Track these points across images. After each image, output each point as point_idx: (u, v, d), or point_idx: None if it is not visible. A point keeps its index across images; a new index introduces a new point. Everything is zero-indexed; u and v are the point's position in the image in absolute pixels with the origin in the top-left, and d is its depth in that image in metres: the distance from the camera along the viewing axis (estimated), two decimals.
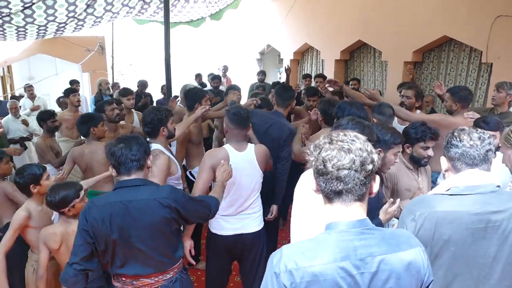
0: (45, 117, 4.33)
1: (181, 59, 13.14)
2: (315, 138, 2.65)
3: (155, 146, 2.70)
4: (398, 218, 1.90)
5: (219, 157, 2.55)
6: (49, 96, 8.00)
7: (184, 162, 3.89)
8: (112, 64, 9.51)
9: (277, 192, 3.22)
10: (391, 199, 2.10)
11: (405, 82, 5.23)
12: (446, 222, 1.58)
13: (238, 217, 2.68)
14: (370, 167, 1.18)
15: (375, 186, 1.24)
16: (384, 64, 6.76)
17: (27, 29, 5.26)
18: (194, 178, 3.51)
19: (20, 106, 6.42)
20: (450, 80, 5.66)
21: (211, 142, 5.38)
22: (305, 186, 1.82)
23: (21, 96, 7.81)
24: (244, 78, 10.68)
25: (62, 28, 5.69)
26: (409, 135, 2.62)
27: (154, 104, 7.04)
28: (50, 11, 4.83)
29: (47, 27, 5.38)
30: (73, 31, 6.12)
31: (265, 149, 2.78)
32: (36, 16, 4.86)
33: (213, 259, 2.79)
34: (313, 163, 1.21)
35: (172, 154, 2.94)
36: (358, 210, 1.21)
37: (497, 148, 2.21)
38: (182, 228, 2.40)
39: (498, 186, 1.64)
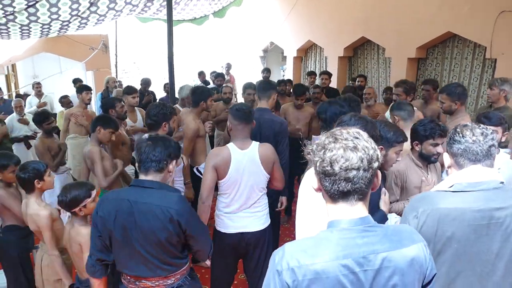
0: (40, 119, 4.23)
1: (184, 57, 13.16)
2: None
3: None
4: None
5: (222, 156, 2.56)
6: (53, 94, 8.01)
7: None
8: (116, 62, 9.55)
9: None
10: (384, 189, 2.14)
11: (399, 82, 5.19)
12: (449, 219, 1.58)
13: (241, 215, 2.67)
14: (376, 164, 1.16)
15: (378, 182, 1.23)
16: (388, 60, 6.73)
17: (31, 27, 5.28)
18: (201, 174, 3.52)
19: (25, 104, 6.45)
20: (454, 76, 5.62)
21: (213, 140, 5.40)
22: (309, 184, 1.82)
23: (26, 95, 7.86)
24: (247, 76, 10.66)
25: (66, 27, 5.71)
26: (418, 132, 2.57)
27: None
28: (54, 10, 4.84)
29: (50, 26, 5.39)
30: (77, 29, 6.14)
31: (271, 148, 2.71)
32: (40, 15, 4.88)
33: (218, 257, 2.76)
34: (318, 163, 1.17)
35: None
36: (361, 208, 1.20)
37: (505, 146, 2.18)
38: None
39: (502, 183, 1.63)
